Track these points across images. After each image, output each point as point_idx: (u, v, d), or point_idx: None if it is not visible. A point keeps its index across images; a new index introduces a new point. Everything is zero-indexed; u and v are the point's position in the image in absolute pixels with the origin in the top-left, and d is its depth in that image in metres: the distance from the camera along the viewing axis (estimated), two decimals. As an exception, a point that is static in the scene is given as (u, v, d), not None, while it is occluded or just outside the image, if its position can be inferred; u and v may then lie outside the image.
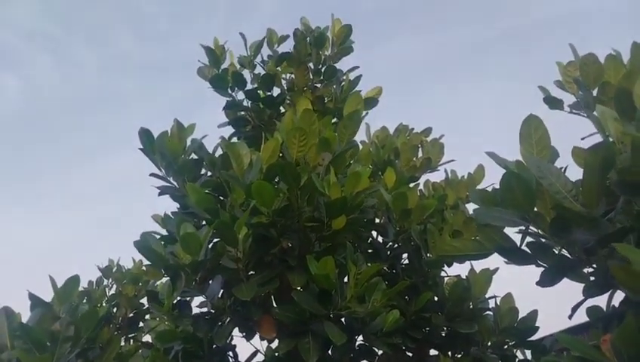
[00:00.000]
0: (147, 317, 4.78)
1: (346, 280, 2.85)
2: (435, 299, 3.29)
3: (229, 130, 4.22)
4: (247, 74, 4.17)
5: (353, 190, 2.78)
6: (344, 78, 4.28)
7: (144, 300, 4.75)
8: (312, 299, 2.72)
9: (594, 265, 1.71)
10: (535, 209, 1.67)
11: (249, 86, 4.10)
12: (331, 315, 2.75)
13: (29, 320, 2.67)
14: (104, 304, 4.68)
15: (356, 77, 4.22)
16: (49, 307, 2.76)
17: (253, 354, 3.17)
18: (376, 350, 3.12)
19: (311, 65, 4.23)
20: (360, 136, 3.34)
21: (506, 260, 1.82)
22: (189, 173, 3.27)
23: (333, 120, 3.87)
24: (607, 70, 2.24)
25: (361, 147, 3.44)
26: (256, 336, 3.00)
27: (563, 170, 1.73)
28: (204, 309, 2.99)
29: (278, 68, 4.24)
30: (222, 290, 2.91)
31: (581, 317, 1.90)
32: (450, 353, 3.28)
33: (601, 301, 1.89)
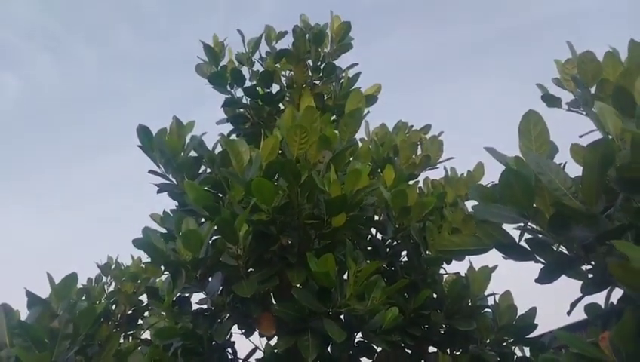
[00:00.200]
0: (146, 314, 4.78)
1: (345, 277, 2.85)
2: (434, 296, 3.29)
3: (228, 128, 4.23)
4: (245, 71, 4.18)
5: (353, 188, 2.78)
6: (343, 75, 4.28)
7: (143, 297, 4.76)
8: (312, 297, 2.73)
9: (592, 263, 1.71)
10: (534, 205, 1.67)
11: (248, 83, 4.10)
12: (330, 313, 2.75)
13: (28, 317, 2.67)
14: (103, 301, 4.68)
15: (355, 74, 4.22)
16: (47, 304, 2.75)
17: (252, 351, 3.17)
18: (375, 347, 3.13)
19: (310, 62, 4.23)
20: (359, 134, 3.33)
21: (504, 256, 1.82)
22: (188, 170, 3.27)
23: (333, 117, 3.87)
24: (605, 68, 2.24)
25: (360, 144, 3.44)
26: (255, 333, 3.01)
27: (562, 166, 1.73)
28: (204, 306, 2.99)
29: (277, 65, 4.24)
30: (221, 287, 2.91)
31: (579, 314, 1.91)
32: (448, 350, 3.29)
33: (599, 298, 1.89)
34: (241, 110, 4.19)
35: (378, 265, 2.75)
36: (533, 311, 3.23)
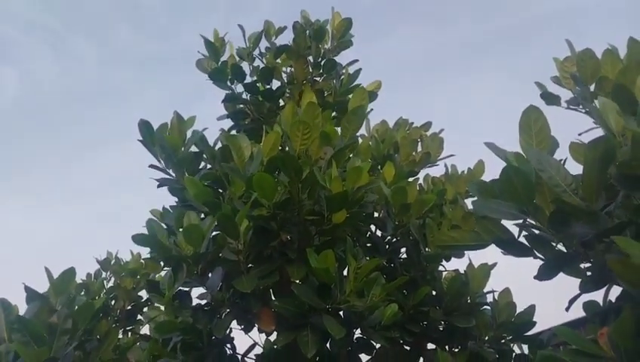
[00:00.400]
0: (145, 309, 4.79)
1: (345, 274, 2.85)
2: (433, 293, 3.29)
3: (228, 123, 4.22)
4: (246, 66, 4.17)
5: (354, 185, 2.79)
6: (343, 71, 4.27)
7: (142, 293, 4.76)
8: (312, 293, 2.73)
9: (591, 260, 1.72)
10: (534, 202, 1.67)
11: (248, 79, 4.09)
12: (330, 309, 2.75)
13: (26, 312, 2.67)
14: (102, 296, 4.68)
15: (356, 71, 4.21)
16: (45, 299, 2.76)
17: (252, 347, 3.17)
18: (374, 343, 3.13)
19: (310, 58, 4.22)
20: (360, 130, 3.33)
21: (503, 251, 1.82)
22: (188, 165, 3.26)
23: (333, 114, 3.86)
24: (605, 65, 2.24)
25: (360, 141, 3.44)
26: (255, 329, 3.01)
27: (562, 162, 1.73)
28: (204, 301, 2.99)
29: (278, 61, 4.23)
30: (221, 282, 2.91)
31: (578, 312, 1.91)
32: (447, 347, 3.29)
33: (597, 297, 1.90)
34: (242, 106, 4.19)
35: (378, 262, 2.75)
36: (531, 309, 3.23)
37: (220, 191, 3.14)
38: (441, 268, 3.45)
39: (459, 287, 3.21)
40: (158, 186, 3.31)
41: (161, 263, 3.59)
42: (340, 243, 2.98)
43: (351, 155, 3.21)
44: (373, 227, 3.54)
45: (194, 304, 3.05)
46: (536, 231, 1.75)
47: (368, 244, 3.45)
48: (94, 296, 4.63)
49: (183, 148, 3.29)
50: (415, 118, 4.32)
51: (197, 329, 2.87)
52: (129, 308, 4.80)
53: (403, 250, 3.51)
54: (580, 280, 1.75)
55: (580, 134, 2.16)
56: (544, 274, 1.74)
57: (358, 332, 3.04)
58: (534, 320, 3.20)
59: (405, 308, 3.13)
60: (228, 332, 3.02)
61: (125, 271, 4.87)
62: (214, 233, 2.86)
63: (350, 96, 3.42)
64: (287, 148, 2.98)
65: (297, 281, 2.84)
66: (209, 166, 3.39)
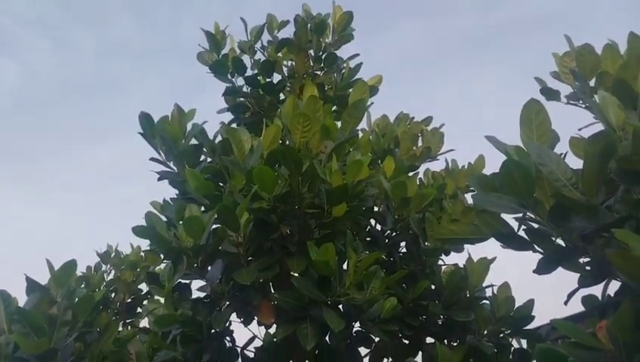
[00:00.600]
0: (145, 302, 4.81)
1: (344, 267, 2.86)
2: (433, 287, 3.30)
3: (229, 117, 4.22)
4: (247, 60, 4.16)
5: (354, 178, 2.79)
6: (344, 65, 4.26)
7: (142, 285, 4.78)
8: (311, 285, 2.74)
9: (590, 255, 1.72)
10: (534, 195, 1.67)
11: (249, 72, 4.09)
12: (330, 302, 2.76)
13: (26, 303, 2.68)
14: (102, 289, 4.70)
15: (357, 65, 4.21)
16: (46, 291, 2.76)
17: (251, 340, 3.18)
18: (373, 337, 3.14)
19: (311, 52, 4.22)
20: (360, 124, 3.32)
21: (502, 245, 1.83)
22: (188, 158, 3.26)
23: (333, 108, 3.86)
24: (605, 60, 2.23)
25: (361, 135, 3.43)
26: (254, 322, 3.02)
27: (563, 156, 1.73)
28: (204, 293, 3.00)
29: (279, 54, 4.23)
30: (221, 275, 2.92)
31: (576, 307, 1.91)
32: (446, 341, 3.30)
33: (596, 292, 1.90)
34: (242, 99, 4.19)
35: (377, 256, 2.76)
36: (530, 303, 3.23)
37: (221, 184, 3.14)
38: (440, 262, 3.46)
39: (458, 281, 3.22)
40: (159, 179, 3.31)
41: (161, 256, 3.61)
42: (340, 236, 2.98)
43: (351, 149, 3.21)
44: (373, 221, 3.55)
45: (194, 296, 3.06)
46: (536, 225, 1.75)
47: (368, 238, 3.46)
48: (94, 288, 4.65)
49: (183, 141, 3.30)
50: (416, 112, 4.31)
51: (197, 321, 2.88)
52: (129, 300, 4.83)
53: (402, 243, 3.52)
54: (578, 274, 1.76)
55: (580, 129, 2.16)
56: (543, 268, 1.75)
57: (357, 326, 3.05)
58: (533, 314, 3.20)
59: (404, 301, 3.13)
60: (227, 324, 3.03)
61: (125, 263, 4.90)
62: (214, 225, 2.87)
63: (351, 90, 3.43)
64: (287, 142, 2.98)
65: (297, 274, 2.84)
66: (209, 159, 3.39)
